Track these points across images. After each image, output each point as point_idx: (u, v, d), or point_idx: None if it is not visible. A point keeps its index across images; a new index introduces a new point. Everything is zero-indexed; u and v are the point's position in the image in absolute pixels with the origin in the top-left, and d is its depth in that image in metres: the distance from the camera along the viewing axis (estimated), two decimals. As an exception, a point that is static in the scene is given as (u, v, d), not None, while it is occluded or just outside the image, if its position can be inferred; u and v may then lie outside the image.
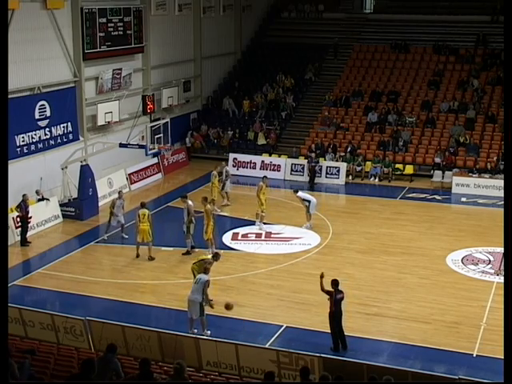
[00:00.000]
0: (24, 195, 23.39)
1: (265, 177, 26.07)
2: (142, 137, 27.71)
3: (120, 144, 26.77)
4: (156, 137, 26.62)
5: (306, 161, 31.48)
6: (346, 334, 16.55)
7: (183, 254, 22.23)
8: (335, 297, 16.23)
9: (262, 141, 34.52)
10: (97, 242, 23.78)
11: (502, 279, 19.39)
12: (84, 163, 26.26)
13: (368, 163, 31.81)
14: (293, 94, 36.61)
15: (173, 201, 28.02)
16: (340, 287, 16.46)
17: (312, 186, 30.34)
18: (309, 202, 24.76)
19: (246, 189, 28.37)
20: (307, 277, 20.47)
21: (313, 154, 31.64)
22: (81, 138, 28.39)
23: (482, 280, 20.48)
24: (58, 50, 27.20)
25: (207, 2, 36.82)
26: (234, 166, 32.59)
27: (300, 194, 25.16)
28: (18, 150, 25.12)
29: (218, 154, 34.63)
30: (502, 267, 19.92)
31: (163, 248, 22.82)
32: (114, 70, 29.98)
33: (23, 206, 23.17)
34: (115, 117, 29.90)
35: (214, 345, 14.64)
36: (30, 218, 23.49)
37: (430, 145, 32.67)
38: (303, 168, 31.63)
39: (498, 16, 36.54)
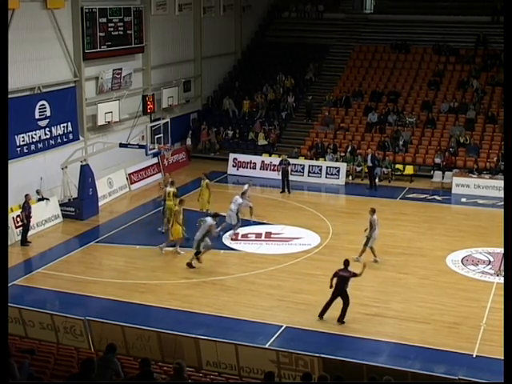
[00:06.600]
0: (26, 195, 23.41)
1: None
2: (142, 137, 27.72)
3: (120, 144, 26.76)
4: (156, 137, 26.62)
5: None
6: (346, 334, 16.88)
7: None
8: (338, 273, 17.61)
9: (262, 141, 34.53)
10: (97, 242, 23.81)
11: (501, 280, 19.38)
12: (84, 163, 26.24)
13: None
14: (294, 95, 36.59)
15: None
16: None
17: (288, 189, 29.38)
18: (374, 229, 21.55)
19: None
20: (307, 277, 20.52)
21: (285, 156, 30.36)
22: (81, 138, 28.38)
23: (482, 280, 20.49)
24: (58, 49, 27.19)
25: (207, 1, 36.80)
26: (233, 166, 32.65)
27: (375, 216, 21.59)
28: (18, 149, 25.11)
29: (218, 154, 34.68)
30: (502, 268, 19.90)
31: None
32: (114, 69, 29.98)
33: (26, 206, 23.21)
34: (115, 117, 29.90)
35: (213, 345, 14.64)
36: (31, 217, 23.50)
37: (430, 145, 32.66)
38: (303, 168, 31.57)
39: (499, 16, 36.51)
